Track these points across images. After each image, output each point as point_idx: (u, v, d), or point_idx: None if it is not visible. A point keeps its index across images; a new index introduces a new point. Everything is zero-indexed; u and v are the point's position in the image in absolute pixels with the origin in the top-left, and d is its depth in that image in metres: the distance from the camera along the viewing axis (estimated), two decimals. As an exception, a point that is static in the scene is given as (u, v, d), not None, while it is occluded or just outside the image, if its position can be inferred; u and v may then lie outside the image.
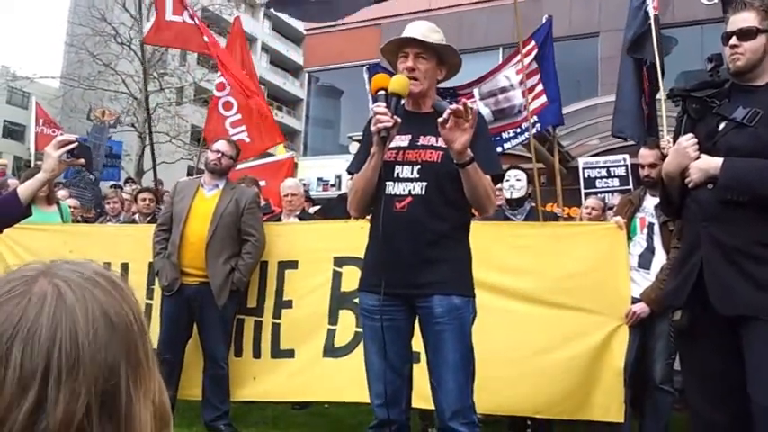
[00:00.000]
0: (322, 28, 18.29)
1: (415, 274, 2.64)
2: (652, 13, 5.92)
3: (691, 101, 2.72)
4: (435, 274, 2.64)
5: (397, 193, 2.70)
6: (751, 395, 2.42)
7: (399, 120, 2.59)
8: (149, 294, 4.64)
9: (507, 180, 4.83)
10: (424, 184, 2.68)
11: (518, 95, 6.41)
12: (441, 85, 6.50)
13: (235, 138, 7.30)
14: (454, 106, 2.54)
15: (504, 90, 6.46)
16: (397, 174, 2.72)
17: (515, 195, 4.80)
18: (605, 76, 13.66)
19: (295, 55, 38.72)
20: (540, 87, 6.24)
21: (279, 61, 41.89)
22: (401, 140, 2.75)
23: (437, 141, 2.72)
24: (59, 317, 0.69)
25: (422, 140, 2.75)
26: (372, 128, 2.60)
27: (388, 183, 2.71)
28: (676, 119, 2.89)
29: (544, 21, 6.88)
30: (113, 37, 20.43)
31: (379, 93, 2.63)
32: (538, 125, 6.16)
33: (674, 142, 2.77)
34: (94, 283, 0.75)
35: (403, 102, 2.68)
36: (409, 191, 2.69)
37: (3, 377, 0.66)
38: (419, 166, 2.70)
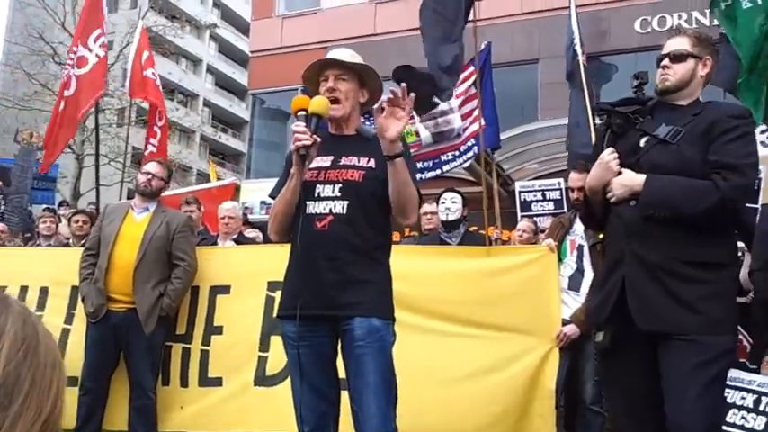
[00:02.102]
0: (267, 50, 18.27)
1: (335, 295, 2.60)
2: (580, 55, 6.17)
3: (615, 116, 2.78)
4: (356, 294, 2.60)
5: (318, 212, 2.65)
6: (667, 413, 2.45)
7: (318, 139, 2.57)
8: (68, 320, 4.47)
9: (443, 203, 4.87)
10: (346, 202, 2.64)
11: (457, 119, 6.54)
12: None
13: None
14: (392, 89, 2.52)
15: (443, 113, 6.57)
16: (318, 193, 2.68)
17: (451, 218, 4.84)
18: (545, 102, 14.02)
19: (241, 77, 38.43)
20: (477, 111, 6.37)
21: (224, 83, 41.56)
22: (323, 161, 2.73)
23: (359, 161, 2.70)
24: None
25: (344, 160, 2.73)
26: (291, 146, 2.57)
27: (308, 202, 2.67)
28: (598, 133, 2.95)
29: (483, 47, 7.07)
30: (51, 57, 19.97)
31: (300, 113, 2.60)
32: (475, 148, 6.26)
33: (595, 155, 2.82)
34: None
35: (323, 121, 2.66)
36: (330, 209, 2.65)
37: None
38: (340, 185, 2.67)
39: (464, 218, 4.98)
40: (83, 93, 7.79)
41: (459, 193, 5.00)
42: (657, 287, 2.54)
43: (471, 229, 5.40)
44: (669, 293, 2.52)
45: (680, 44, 2.74)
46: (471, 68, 6.43)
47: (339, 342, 2.68)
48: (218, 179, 13.96)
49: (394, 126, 2.51)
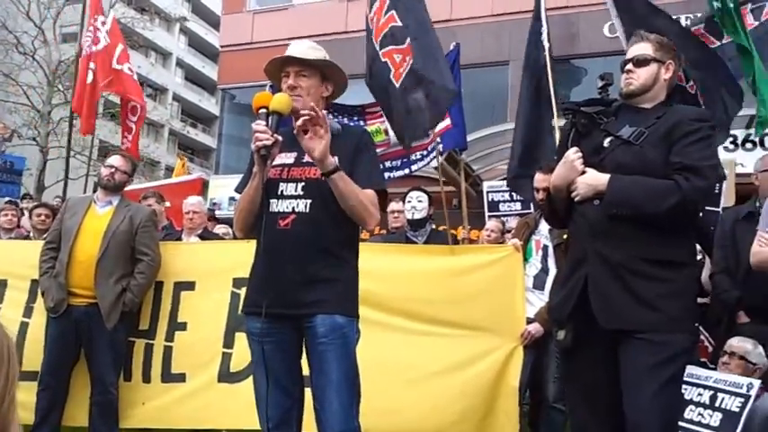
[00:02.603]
0: (237, 45, 18.12)
1: (299, 294, 2.58)
2: (546, 50, 6.21)
3: (580, 115, 2.82)
4: (319, 293, 2.59)
5: (281, 210, 2.64)
6: (625, 411, 2.49)
7: (280, 138, 2.55)
8: (27, 313, 4.39)
9: (409, 201, 4.89)
10: (309, 201, 2.63)
11: (426, 119, 6.52)
12: (349, 103, 6.43)
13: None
14: (305, 112, 2.53)
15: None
16: (282, 191, 2.66)
17: (417, 216, 4.85)
18: (515, 103, 14.10)
19: (211, 71, 37.97)
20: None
21: (194, 77, 41.04)
22: (287, 158, 2.71)
23: None
24: None
25: (307, 158, 2.69)
26: (252, 146, 2.55)
27: (272, 200, 2.65)
28: (563, 132, 2.99)
29: (452, 47, 7.10)
30: (15, 46, 19.54)
31: (261, 111, 2.58)
32: (440, 146, 6.28)
33: (559, 154, 2.85)
34: None
35: (284, 119, 2.64)
36: (293, 208, 2.63)
37: None
38: (303, 183, 2.66)
39: (430, 216, 5.00)
40: (100, 71, 7.96)
41: (425, 191, 5.02)
42: (618, 284, 2.57)
43: (441, 228, 5.43)
44: (629, 291, 2.55)
45: (643, 49, 2.79)
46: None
47: (303, 339, 2.67)
48: (188, 173, 13.76)
49: (318, 145, 2.51)
